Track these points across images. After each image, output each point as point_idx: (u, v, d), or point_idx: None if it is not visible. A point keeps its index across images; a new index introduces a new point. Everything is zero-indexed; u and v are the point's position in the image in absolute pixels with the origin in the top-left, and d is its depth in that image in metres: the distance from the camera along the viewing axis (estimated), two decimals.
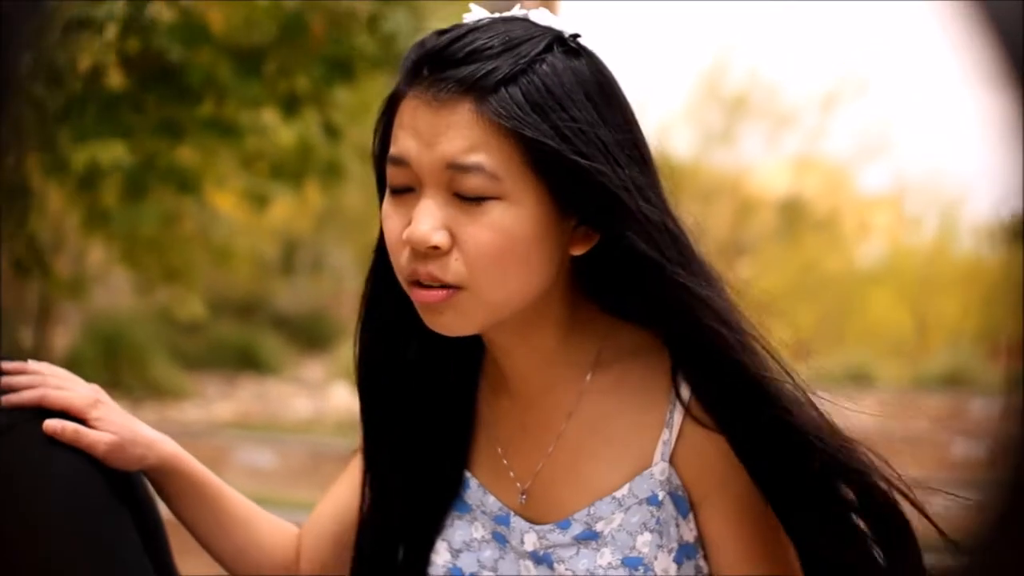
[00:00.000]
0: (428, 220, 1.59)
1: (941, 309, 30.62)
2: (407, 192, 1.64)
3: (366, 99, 3.98)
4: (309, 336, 23.01)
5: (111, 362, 14.88)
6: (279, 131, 4.06)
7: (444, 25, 1.71)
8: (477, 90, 1.59)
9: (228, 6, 3.46)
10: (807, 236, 26.02)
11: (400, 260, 1.63)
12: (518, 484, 1.78)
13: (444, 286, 1.60)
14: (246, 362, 20.50)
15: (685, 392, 1.70)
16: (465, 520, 1.81)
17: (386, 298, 1.77)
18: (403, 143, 1.64)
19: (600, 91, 1.64)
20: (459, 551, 1.80)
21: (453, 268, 1.59)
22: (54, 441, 1.65)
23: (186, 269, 4.94)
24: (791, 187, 29.02)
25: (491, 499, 1.80)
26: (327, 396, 19.37)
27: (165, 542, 1.80)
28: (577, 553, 1.71)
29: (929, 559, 1.65)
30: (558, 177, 1.59)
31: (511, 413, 1.80)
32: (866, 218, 32.52)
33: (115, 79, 3.55)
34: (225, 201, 5.15)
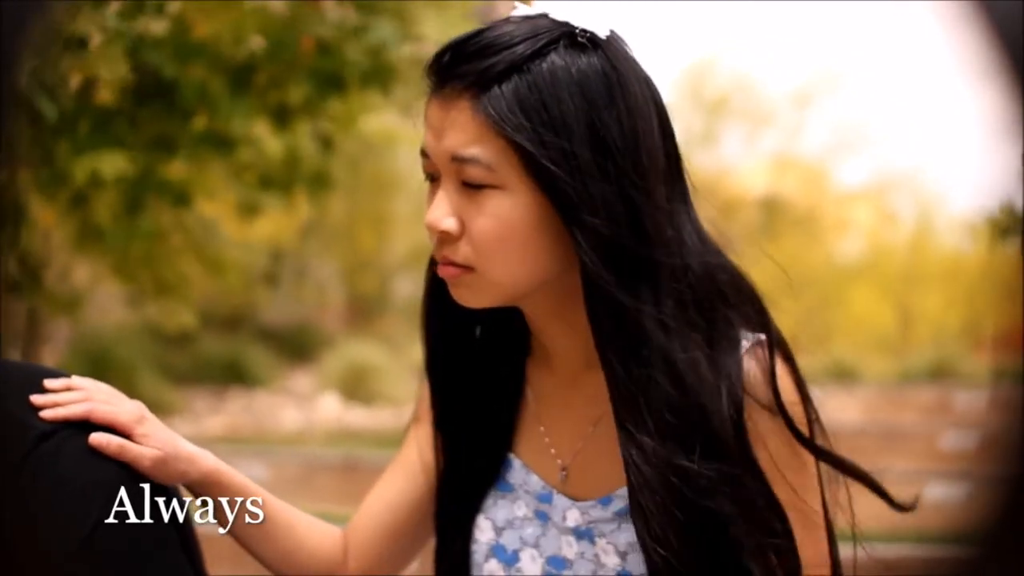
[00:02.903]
0: (439, 208, 1.70)
1: (923, 304, 30.65)
2: (435, 181, 1.74)
3: (354, 111, 4.01)
4: (295, 347, 22.96)
5: (99, 380, 14.85)
6: (268, 142, 4.09)
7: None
8: (475, 86, 1.66)
9: (216, 20, 3.49)
10: (787, 234, 26.04)
11: (431, 241, 1.74)
12: (559, 461, 1.84)
13: (458, 265, 1.70)
14: (234, 375, 20.45)
15: None
16: (508, 499, 1.87)
17: (442, 294, 1.83)
18: (425, 136, 1.74)
19: (606, 91, 1.66)
20: (502, 529, 1.86)
21: (462, 251, 1.69)
22: (94, 451, 1.67)
23: (179, 282, 4.96)
24: (770, 186, 29.04)
25: (534, 478, 1.85)
26: (316, 407, 19.33)
27: (199, 550, 1.82)
28: (619, 527, 1.77)
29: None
30: (540, 178, 1.65)
31: (555, 392, 1.86)
32: (845, 214, 32.53)
33: (106, 95, 3.58)
34: (216, 212, 5.18)
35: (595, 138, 1.65)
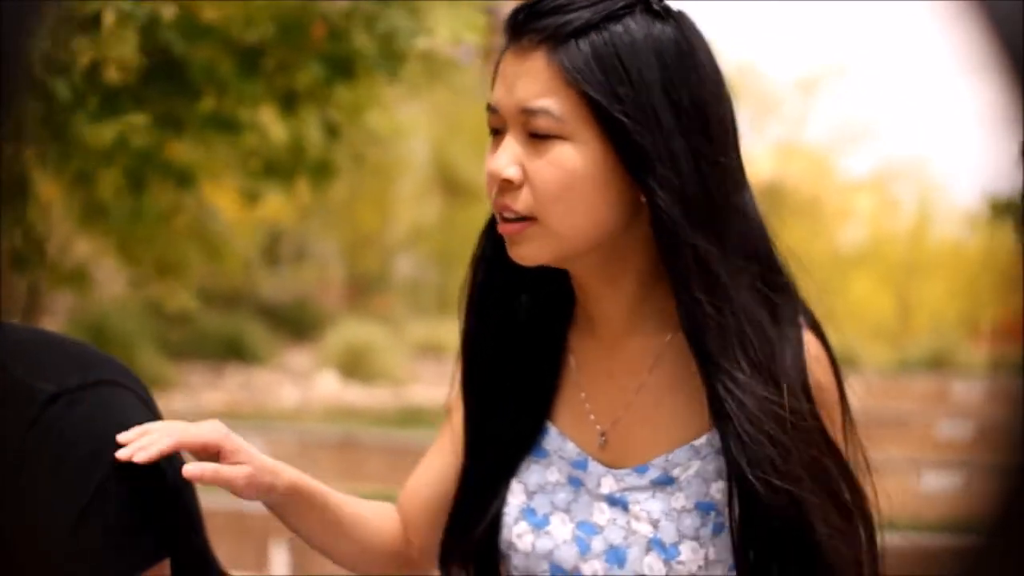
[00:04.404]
0: (504, 156, 1.72)
1: (923, 293, 30.68)
2: (499, 135, 1.76)
3: (362, 99, 4.02)
4: (294, 325, 22.98)
5: None
6: (273, 128, 4.08)
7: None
8: (551, 40, 1.70)
9: (227, 3, 3.50)
10: (790, 222, 26.08)
11: (491, 196, 1.76)
12: (598, 427, 1.86)
13: (519, 219, 1.72)
14: (232, 352, 20.46)
15: None
16: (541, 464, 1.88)
17: (494, 258, 1.85)
18: (495, 90, 1.77)
19: (678, 58, 1.71)
20: (533, 493, 1.87)
21: (523, 199, 1.71)
22: (99, 414, 1.67)
23: (180, 264, 4.97)
24: (774, 173, 29.05)
25: (570, 445, 1.87)
26: (313, 384, 19.35)
27: (201, 518, 1.83)
28: (652, 496, 1.79)
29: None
30: (611, 131, 1.69)
31: (597, 358, 1.88)
32: (848, 203, 32.55)
33: (115, 73, 3.59)
34: (220, 197, 5.19)
35: (669, 98, 1.69)
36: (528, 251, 1.74)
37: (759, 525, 1.71)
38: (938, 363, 22.07)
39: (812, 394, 1.74)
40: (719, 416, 1.71)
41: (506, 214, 1.73)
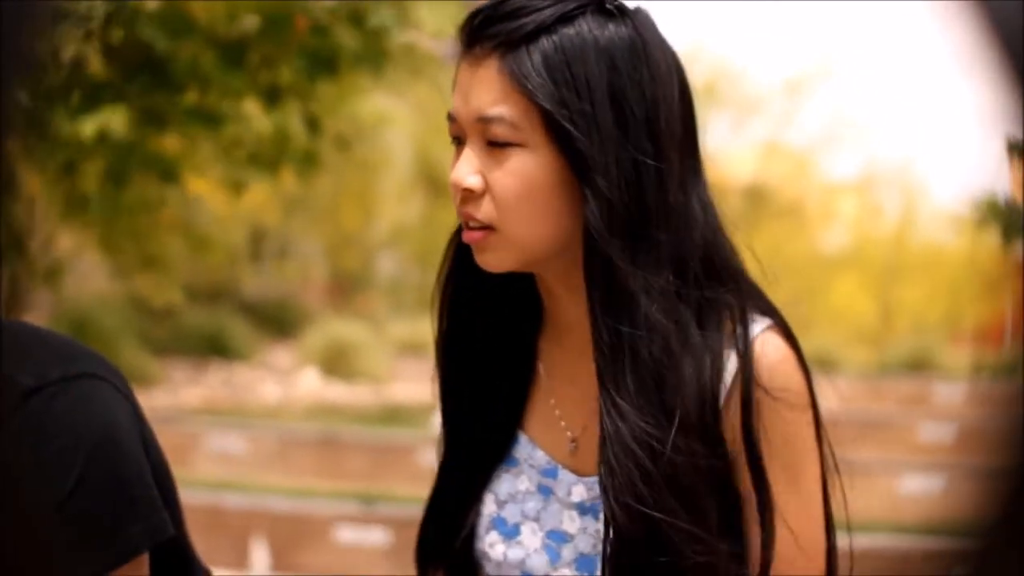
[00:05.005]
0: (465, 166, 1.72)
1: (905, 295, 30.76)
2: (461, 144, 1.76)
3: (344, 92, 4.02)
4: (276, 322, 22.99)
5: None
6: (258, 120, 4.08)
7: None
8: (503, 47, 1.70)
9: None
10: (772, 223, 26.11)
11: (455, 204, 1.76)
12: (568, 433, 1.86)
13: (481, 227, 1.72)
14: (214, 348, 20.47)
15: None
16: (511, 473, 1.88)
17: (462, 265, 1.85)
18: (454, 100, 1.77)
19: (630, 58, 1.71)
20: (504, 502, 1.87)
21: (484, 208, 1.71)
22: (81, 406, 1.67)
23: (164, 256, 4.96)
24: (757, 174, 29.09)
25: (539, 453, 1.87)
26: (295, 382, 19.36)
27: (180, 509, 1.82)
28: None
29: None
30: (559, 138, 1.69)
31: (566, 365, 1.88)
32: (831, 205, 32.62)
33: (97, 68, 3.58)
34: (202, 189, 5.18)
35: (615, 103, 1.69)
36: (492, 259, 1.75)
37: (623, 554, 1.72)
38: (919, 365, 22.12)
39: (720, 409, 1.72)
40: (600, 442, 1.72)
41: (471, 223, 1.73)
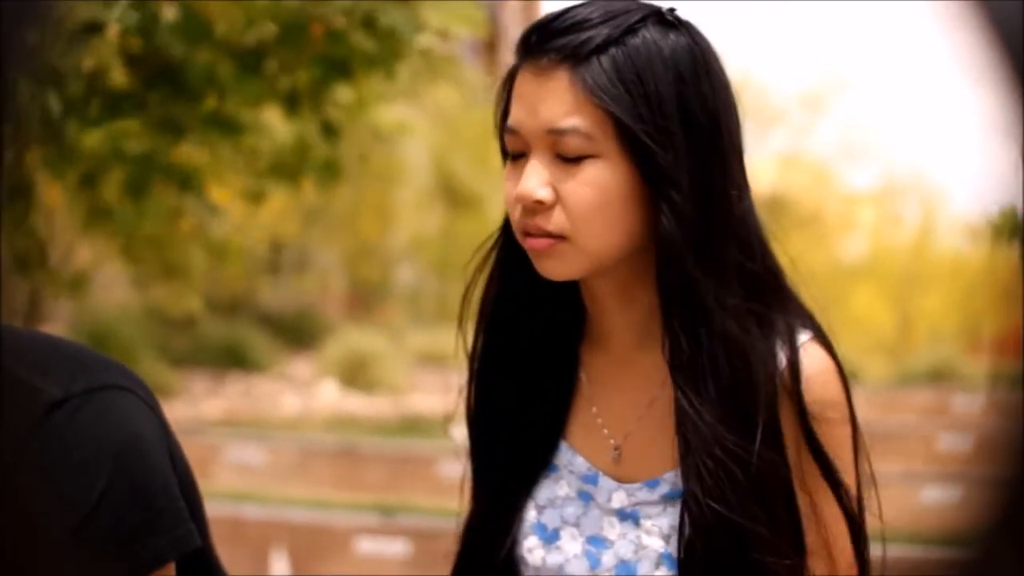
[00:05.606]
0: (534, 178, 1.72)
1: (923, 305, 30.70)
2: (521, 157, 1.76)
3: (363, 98, 4.02)
4: (295, 333, 23.00)
5: None
6: (278, 129, 4.09)
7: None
8: (572, 59, 1.70)
9: (228, 5, 3.50)
10: (792, 233, 26.05)
11: (514, 216, 1.76)
12: (611, 441, 1.87)
13: (549, 235, 1.72)
14: (233, 360, 20.49)
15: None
16: (551, 479, 1.89)
17: (506, 269, 1.86)
18: (515, 113, 1.76)
19: (692, 68, 1.73)
20: (543, 507, 1.88)
21: (556, 220, 1.72)
22: (105, 418, 1.67)
23: (185, 266, 4.97)
24: (777, 184, 29.08)
25: (579, 460, 1.88)
26: (314, 393, 19.37)
27: (206, 521, 1.82)
28: (663, 511, 1.79)
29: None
30: (634, 150, 1.70)
31: (609, 373, 1.89)
32: (850, 215, 32.59)
33: (118, 78, 3.60)
34: (222, 199, 5.20)
35: (684, 113, 1.71)
36: (558, 267, 1.75)
37: (704, 556, 1.73)
38: (938, 376, 22.08)
39: (779, 417, 1.74)
40: (684, 449, 1.74)
41: (534, 232, 1.73)
